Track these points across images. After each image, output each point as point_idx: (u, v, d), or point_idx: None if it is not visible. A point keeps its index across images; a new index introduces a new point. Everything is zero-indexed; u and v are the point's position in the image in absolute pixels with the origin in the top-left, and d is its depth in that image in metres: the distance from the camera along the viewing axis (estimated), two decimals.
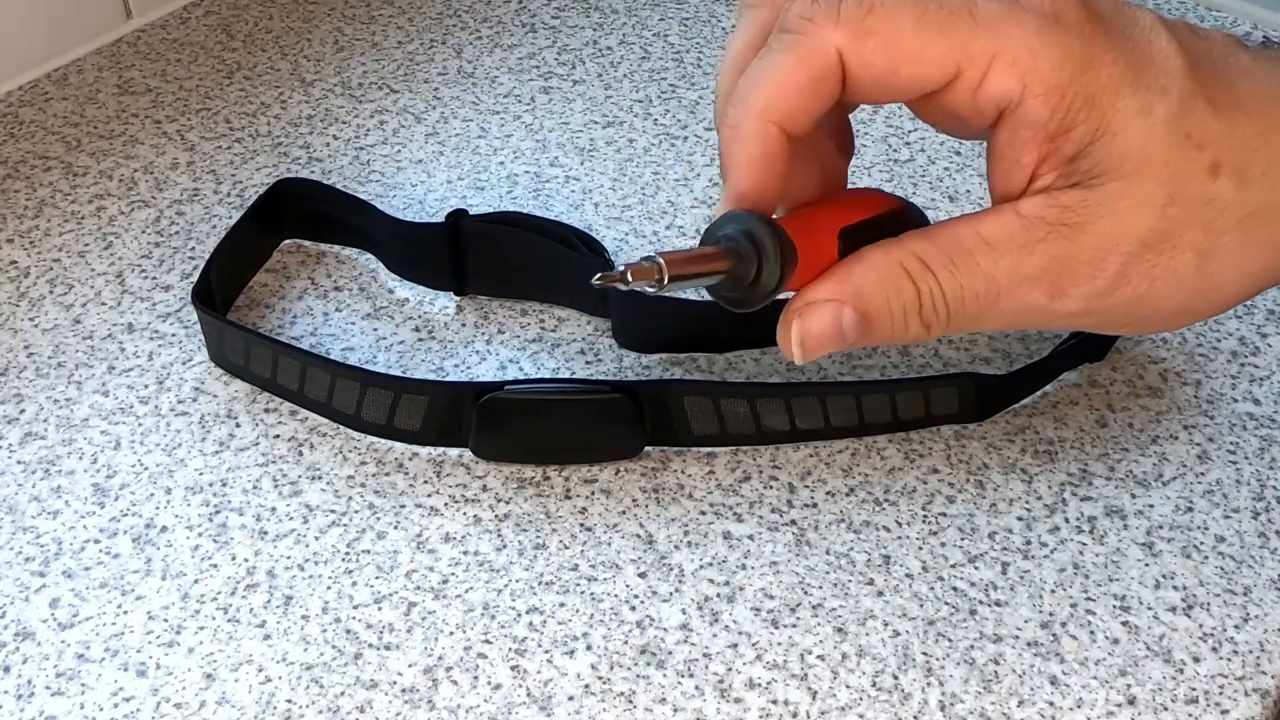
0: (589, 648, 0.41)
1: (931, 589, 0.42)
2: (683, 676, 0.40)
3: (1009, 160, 0.31)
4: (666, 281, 0.29)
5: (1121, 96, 0.30)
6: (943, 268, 0.31)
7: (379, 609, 0.42)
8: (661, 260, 0.29)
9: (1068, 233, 0.30)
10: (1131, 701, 0.39)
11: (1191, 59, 0.31)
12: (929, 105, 0.31)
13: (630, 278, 0.29)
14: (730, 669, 0.40)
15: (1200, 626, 0.41)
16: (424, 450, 0.47)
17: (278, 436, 0.47)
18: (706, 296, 0.33)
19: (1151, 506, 0.45)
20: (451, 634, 0.41)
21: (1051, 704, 0.39)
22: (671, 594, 0.42)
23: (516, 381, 0.45)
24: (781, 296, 0.32)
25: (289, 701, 0.39)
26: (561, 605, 0.42)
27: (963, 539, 0.44)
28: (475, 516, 0.45)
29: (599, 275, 0.29)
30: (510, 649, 0.41)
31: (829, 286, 0.32)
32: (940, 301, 0.31)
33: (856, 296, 0.31)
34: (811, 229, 0.33)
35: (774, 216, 0.32)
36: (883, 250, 0.32)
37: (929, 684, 0.40)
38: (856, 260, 0.32)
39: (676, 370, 0.50)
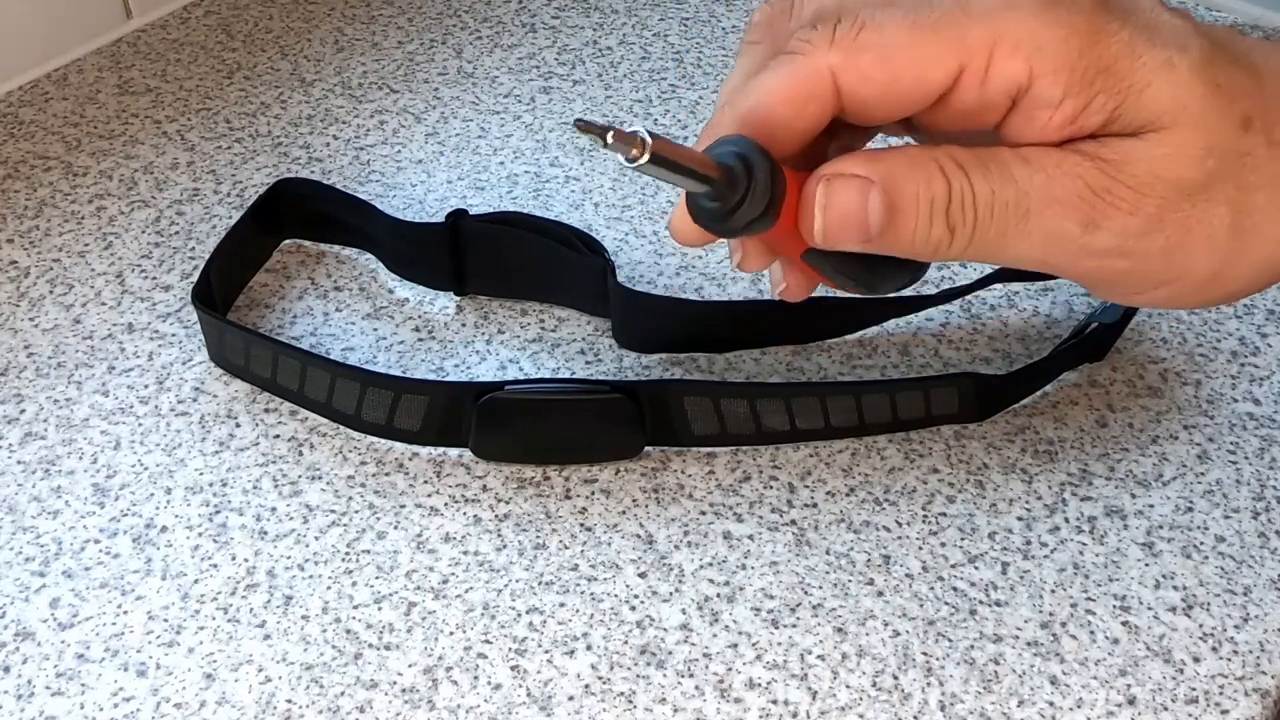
0: (589, 648, 0.41)
1: (931, 589, 0.42)
2: (683, 676, 0.40)
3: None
4: (646, 160, 0.28)
5: (1139, 56, 0.29)
6: (976, 169, 0.30)
7: (379, 609, 0.42)
8: (648, 135, 0.28)
9: (1105, 167, 0.29)
10: (1131, 701, 0.39)
11: (1200, 29, 0.30)
12: (940, 115, 0.31)
13: (611, 139, 0.27)
14: (730, 669, 0.40)
15: (1200, 626, 0.41)
16: (424, 450, 0.47)
17: (278, 436, 0.47)
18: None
19: (1151, 506, 0.45)
20: (451, 634, 0.41)
21: (1051, 704, 0.39)
22: (671, 594, 0.42)
23: (516, 381, 0.45)
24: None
25: (289, 701, 0.39)
26: (561, 605, 0.42)
27: (963, 539, 0.44)
28: (475, 516, 0.45)
29: (582, 119, 0.28)
30: (510, 649, 0.41)
31: (859, 162, 0.30)
32: (970, 203, 0.30)
33: (887, 178, 0.30)
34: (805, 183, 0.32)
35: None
36: (915, 148, 0.31)
37: (929, 684, 0.40)
38: (886, 149, 0.31)
39: (676, 370, 0.50)
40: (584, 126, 0.27)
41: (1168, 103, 0.29)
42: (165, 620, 0.41)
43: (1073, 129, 0.30)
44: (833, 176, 0.30)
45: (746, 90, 0.31)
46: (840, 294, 0.53)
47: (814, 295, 0.53)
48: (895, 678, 0.40)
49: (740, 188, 0.29)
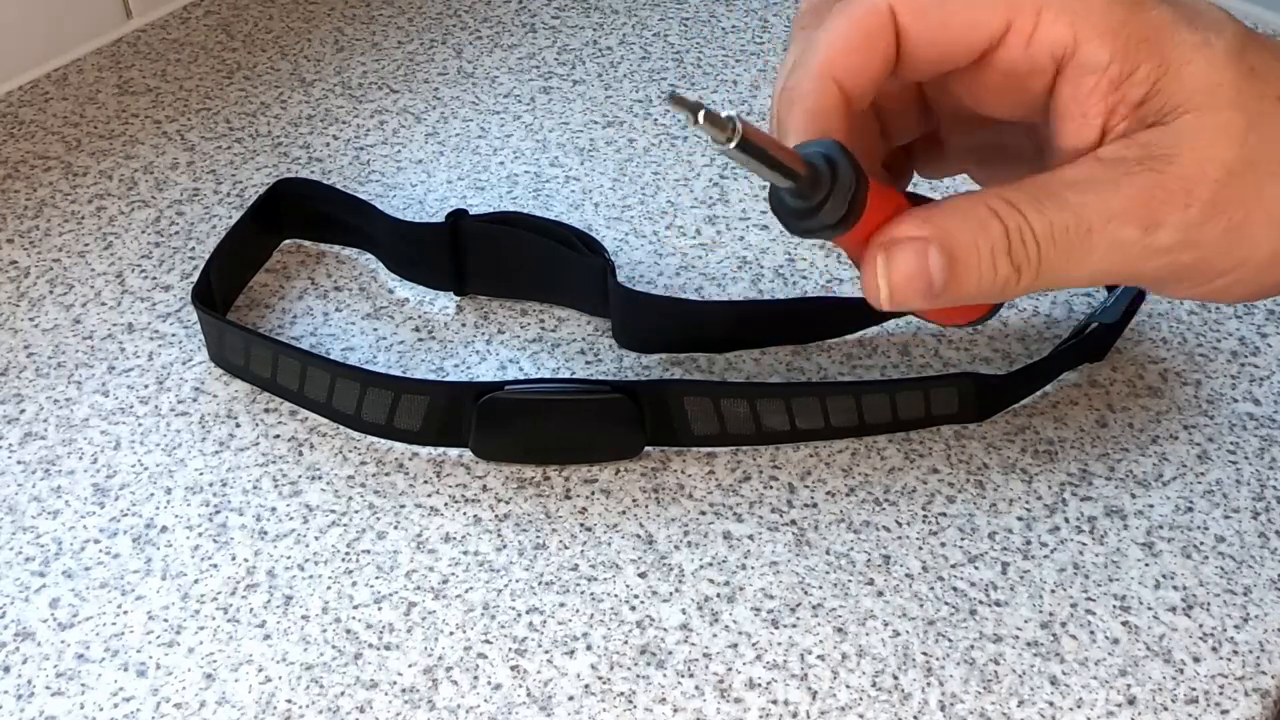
0: (589, 648, 0.41)
1: (931, 589, 0.42)
2: (683, 676, 0.40)
3: (1076, 118, 0.31)
4: (734, 144, 0.28)
5: (1178, 32, 0.30)
6: (1029, 205, 0.30)
7: (379, 609, 0.42)
8: (739, 121, 0.28)
9: (1153, 164, 0.30)
10: (1131, 701, 0.39)
11: (1233, 18, 0.31)
12: (988, 77, 0.31)
13: (701, 119, 0.27)
14: (730, 669, 0.40)
15: (1200, 626, 0.41)
16: (424, 450, 0.47)
17: (278, 436, 0.47)
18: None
19: (1151, 506, 0.45)
20: (451, 634, 0.41)
21: (1051, 704, 0.39)
22: (671, 594, 0.42)
23: (516, 381, 0.45)
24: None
25: (289, 701, 0.39)
26: (561, 605, 0.42)
27: (963, 539, 0.44)
28: (475, 516, 0.45)
29: (676, 93, 0.28)
30: (510, 649, 0.41)
31: (912, 224, 0.31)
32: (1030, 238, 0.30)
33: (942, 233, 0.30)
34: (888, 197, 0.32)
35: None
36: (965, 197, 0.31)
37: (929, 684, 0.40)
38: (937, 204, 0.31)
39: (676, 370, 0.50)
40: (676, 100, 0.27)
41: (1204, 82, 0.30)
42: (165, 620, 0.41)
43: (1117, 97, 0.30)
44: (889, 244, 0.31)
45: (813, 45, 0.31)
46: (840, 294, 0.53)
47: (814, 295, 0.53)
48: (895, 678, 0.40)
49: (823, 189, 0.29)
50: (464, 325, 0.52)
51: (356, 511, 0.45)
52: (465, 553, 0.43)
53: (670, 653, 0.41)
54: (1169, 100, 0.30)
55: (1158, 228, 0.30)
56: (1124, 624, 0.41)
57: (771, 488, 0.46)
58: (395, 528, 0.44)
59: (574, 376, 0.50)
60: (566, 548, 0.44)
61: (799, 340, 0.51)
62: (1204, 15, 0.31)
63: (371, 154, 0.61)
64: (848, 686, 0.40)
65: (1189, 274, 0.32)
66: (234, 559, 0.43)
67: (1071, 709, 0.39)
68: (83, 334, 0.52)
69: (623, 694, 0.39)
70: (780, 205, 0.31)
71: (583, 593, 0.42)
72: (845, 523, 0.44)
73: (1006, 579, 0.43)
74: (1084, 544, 0.44)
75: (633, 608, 0.42)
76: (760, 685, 0.40)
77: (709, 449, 0.47)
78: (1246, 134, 0.30)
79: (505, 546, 0.44)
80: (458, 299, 0.53)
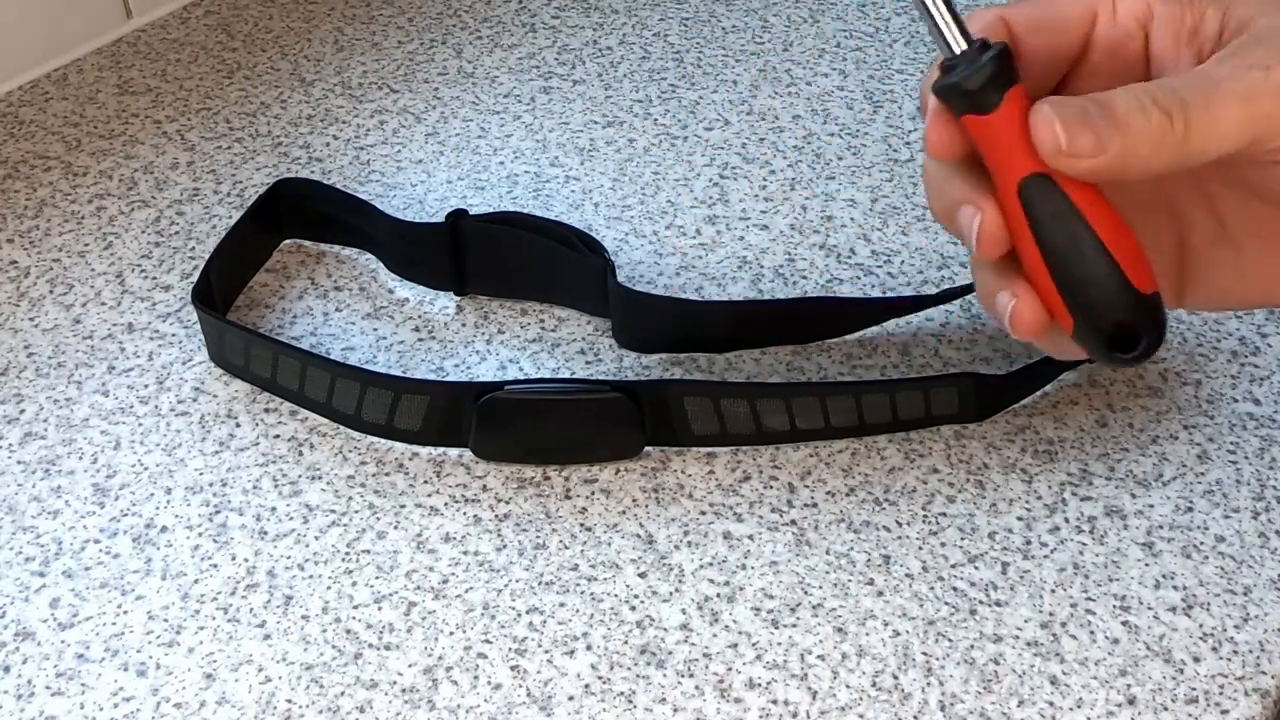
0: (589, 648, 0.41)
1: (931, 589, 0.42)
2: (683, 676, 0.40)
3: (1171, 66, 0.36)
4: None
5: None
6: (1166, 77, 0.35)
7: (379, 609, 0.42)
8: None
9: (1257, 38, 0.34)
10: (1131, 701, 0.39)
11: None
12: (1091, 58, 0.36)
13: None
14: (730, 669, 0.40)
15: (1200, 626, 0.41)
16: (424, 450, 0.47)
17: (278, 436, 0.47)
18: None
19: (1151, 506, 0.45)
20: (451, 634, 0.41)
21: (1051, 704, 0.39)
22: (671, 594, 0.42)
23: (516, 381, 0.45)
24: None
25: (289, 701, 0.39)
26: (561, 605, 0.42)
27: (963, 539, 0.44)
28: (475, 516, 0.45)
29: None
30: (510, 649, 0.41)
31: (1065, 95, 0.35)
32: (1171, 90, 0.34)
33: (1094, 95, 0.34)
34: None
35: None
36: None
37: (929, 684, 0.40)
38: None
39: (676, 370, 0.50)
40: None
41: (1256, 5, 0.35)
42: (165, 620, 0.41)
43: (1200, 40, 0.35)
44: (1050, 99, 0.34)
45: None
46: (839, 294, 0.53)
47: (814, 295, 0.53)
48: (895, 678, 0.40)
49: (971, 62, 0.34)
50: (464, 325, 0.52)
51: (356, 511, 0.45)
52: (465, 553, 0.43)
53: (670, 653, 0.41)
54: (1242, 21, 0.35)
55: (1272, 67, 0.34)
56: (1124, 624, 0.41)
57: (771, 488, 0.46)
58: (395, 528, 0.44)
59: (574, 376, 0.50)
60: (566, 548, 0.44)
61: (799, 340, 0.51)
62: None
63: (371, 154, 0.61)
64: (848, 686, 0.40)
65: None
66: (234, 559, 0.43)
67: (1071, 709, 0.39)
68: (83, 334, 0.52)
69: (623, 694, 0.39)
70: (940, 74, 0.34)
71: (583, 593, 0.42)
72: (845, 523, 0.44)
73: (1006, 579, 0.43)
74: (1084, 544, 0.44)
75: (633, 608, 0.42)
76: (760, 685, 0.40)
77: (709, 449, 0.47)
78: None
79: (505, 546, 0.44)
80: (458, 299, 0.53)
